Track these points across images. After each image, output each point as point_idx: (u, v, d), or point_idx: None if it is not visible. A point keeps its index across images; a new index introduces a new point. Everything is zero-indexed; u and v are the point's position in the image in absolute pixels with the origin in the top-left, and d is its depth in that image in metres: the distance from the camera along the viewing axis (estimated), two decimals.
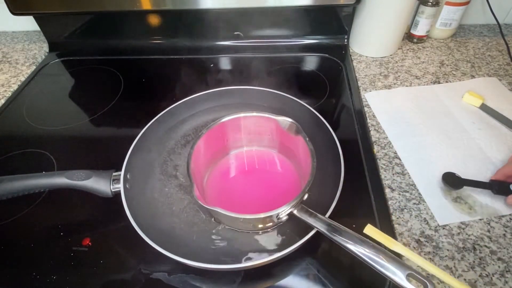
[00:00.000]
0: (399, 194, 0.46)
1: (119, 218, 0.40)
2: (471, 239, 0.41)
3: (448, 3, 0.68)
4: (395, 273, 0.30)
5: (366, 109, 0.59)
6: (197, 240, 0.41)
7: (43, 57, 0.79)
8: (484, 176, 0.46)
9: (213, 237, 0.41)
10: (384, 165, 0.49)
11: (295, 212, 0.37)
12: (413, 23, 0.73)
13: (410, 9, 0.65)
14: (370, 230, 0.36)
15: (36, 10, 0.70)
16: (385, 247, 0.33)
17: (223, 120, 0.45)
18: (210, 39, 0.75)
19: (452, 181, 0.45)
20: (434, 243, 0.40)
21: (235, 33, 0.74)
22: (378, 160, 0.50)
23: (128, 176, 0.43)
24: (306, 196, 0.39)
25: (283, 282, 0.38)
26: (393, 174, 0.48)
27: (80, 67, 0.75)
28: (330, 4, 0.65)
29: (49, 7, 0.68)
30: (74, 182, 0.41)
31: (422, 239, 0.41)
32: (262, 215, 0.36)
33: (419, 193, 0.46)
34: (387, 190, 0.46)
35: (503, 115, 0.54)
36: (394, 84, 0.63)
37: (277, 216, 0.37)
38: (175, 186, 0.47)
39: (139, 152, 0.47)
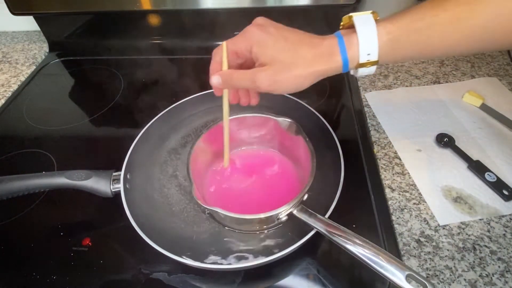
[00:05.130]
0: (399, 194, 0.46)
1: (119, 218, 0.40)
2: (471, 239, 0.41)
3: None
4: (395, 274, 0.30)
5: (366, 109, 0.59)
6: (197, 240, 0.41)
7: (43, 57, 0.79)
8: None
9: (213, 237, 0.41)
10: (384, 165, 0.49)
11: (295, 212, 0.37)
12: None
13: None
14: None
15: (36, 10, 0.70)
16: None
17: None
18: (210, 39, 0.75)
19: None
20: (434, 243, 0.40)
21: (235, 33, 0.74)
22: (378, 160, 0.50)
23: (128, 176, 0.43)
24: (306, 196, 0.39)
25: (283, 282, 0.38)
26: (393, 174, 0.48)
27: (80, 67, 0.75)
28: (330, 4, 0.65)
29: (49, 7, 0.68)
30: (74, 182, 0.41)
31: (422, 239, 0.41)
32: (262, 215, 0.36)
33: (419, 193, 0.45)
34: (387, 190, 0.46)
35: (503, 115, 0.54)
36: (394, 84, 0.63)
37: (277, 217, 0.37)
38: (175, 186, 0.47)
39: (139, 152, 0.47)
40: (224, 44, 0.36)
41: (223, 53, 0.36)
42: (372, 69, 0.32)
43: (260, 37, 0.33)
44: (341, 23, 0.33)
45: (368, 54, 0.31)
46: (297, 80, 0.33)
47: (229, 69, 0.37)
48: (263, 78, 0.33)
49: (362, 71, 0.33)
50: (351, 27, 0.32)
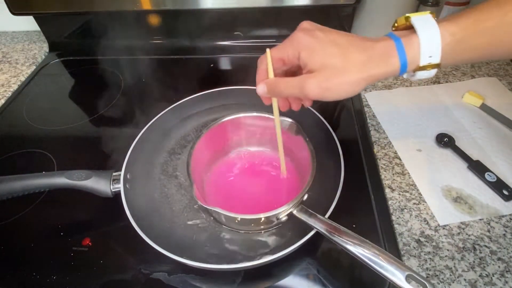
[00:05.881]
0: (399, 194, 0.46)
1: (119, 218, 0.40)
2: (471, 239, 0.41)
3: (448, 3, 0.68)
4: (395, 274, 0.30)
5: (366, 109, 0.59)
6: (197, 240, 0.41)
7: (43, 57, 0.79)
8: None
9: (213, 237, 0.41)
10: (384, 165, 0.49)
11: (294, 212, 0.37)
12: None
13: (410, 9, 0.65)
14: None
15: (36, 10, 0.70)
16: None
17: (223, 120, 0.45)
18: (210, 39, 0.75)
19: None
20: (434, 243, 0.40)
21: (235, 33, 0.74)
22: (378, 160, 0.50)
23: (128, 176, 0.43)
24: (306, 197, 0.39)
25: (283, 282, 0.38)
26: (393, 174, 0.48)
27: (80, 67, 0.75)
28: (330, 4, 0.65)
29: (49, 7, 0.68)
30: (74, 182, 0.41)
31: (422, 239, 0.41)
32: (261, 216, 0.36)
33: (419, 193, 0.45)
34: (387, 190, 0.46)
35: (503, 115, 0.54)
36: (394, 84, 0.63)
37: (277, 217, 0.37)
38: (175, 186, 0.47)
39: (139, 152, 0.47)
40: (268, 51, 0.34)
41: (267, 61, 0.34)
42: (432, 72, 0.31)
43: (308, 42, 0.32)
44: (395, 24, 0.32)
45: (430, 57, 0.29)
46: (349, 86, 0.31)
47: (275, 77, 0.35)
48: (312, 85, 0.31)
49: (421, 74, 0.31)
50: (406, 28, 0.31)
